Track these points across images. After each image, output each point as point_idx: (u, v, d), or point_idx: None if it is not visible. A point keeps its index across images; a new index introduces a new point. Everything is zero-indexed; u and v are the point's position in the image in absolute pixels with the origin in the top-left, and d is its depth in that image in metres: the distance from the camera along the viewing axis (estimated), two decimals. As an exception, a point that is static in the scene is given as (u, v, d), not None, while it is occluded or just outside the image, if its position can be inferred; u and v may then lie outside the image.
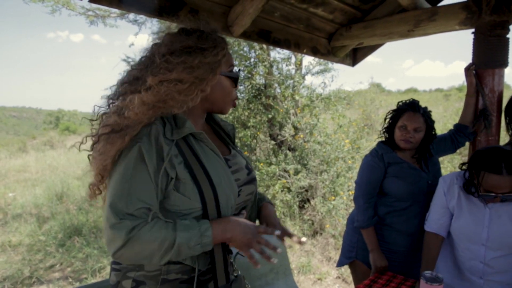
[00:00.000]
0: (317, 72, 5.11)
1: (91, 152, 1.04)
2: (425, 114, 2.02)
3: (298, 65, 5.37)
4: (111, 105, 1.05)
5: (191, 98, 1.03)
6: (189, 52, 1.02)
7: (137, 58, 1.11)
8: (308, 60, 5.25)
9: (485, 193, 1.57)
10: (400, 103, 2.11)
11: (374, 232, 2.05)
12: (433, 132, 2.07)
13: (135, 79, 1.03)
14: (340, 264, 2.27)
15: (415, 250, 2.07)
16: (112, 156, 0.97)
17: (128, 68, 1.09)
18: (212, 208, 1.04)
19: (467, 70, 2.19)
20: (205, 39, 1.06)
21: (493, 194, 1.55)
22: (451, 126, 2.31)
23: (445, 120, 9.35)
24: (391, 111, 2.12)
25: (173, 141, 1.02)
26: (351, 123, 5.55)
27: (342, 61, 3.05)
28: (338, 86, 5.98)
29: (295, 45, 2.54)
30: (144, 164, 0.95)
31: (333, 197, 4.40)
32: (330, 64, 5.00)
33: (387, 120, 2.14)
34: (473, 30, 2.21)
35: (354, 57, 3.16)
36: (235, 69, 1.18)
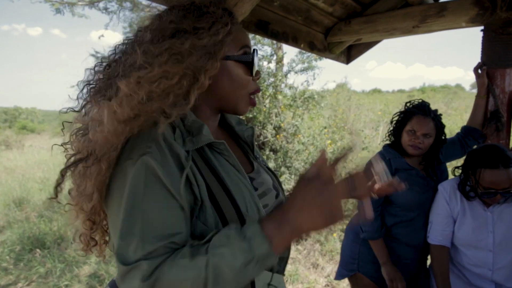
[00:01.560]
0: (301, 70, 4.93)
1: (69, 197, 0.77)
2: (436, 118, 1.87)
3: (279, 62, 5.17)
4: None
5: (183, 99, 0.75)
6: (176, 34, 0.75)
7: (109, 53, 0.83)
8: (290, 57, 5.08)
9: (485, 191, 1.52)
10: (408, 105, 1.95)
11: (384, 243, 1.89)
12: (443, 137, 1.93)
13: (103, 83, 0.76)
14: (340, 276, 2.09)
15: (420, 262, 1.96)
16: (91, 193, 0.71)
17: (95, 65, 0.81)
18: None
19: (476, 70, 2.08)
20: (199, 15, 0.78)
21: (493, 190, 1.50)
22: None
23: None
24: (398, 113, 1.96)
25: (188, 152, 0.75)
26: (332, 124, 5.43)
27: (337, 58, 2.88)
28: (322, 86, 5.85)
29: (293, 38, 2.33)
30: (158, 181, 0.68)
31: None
32: (314, 62, 4.84)
33: (394, 122, 1.98)
34: (482, 28, 2.10)
35: (349, 54, 3.00)
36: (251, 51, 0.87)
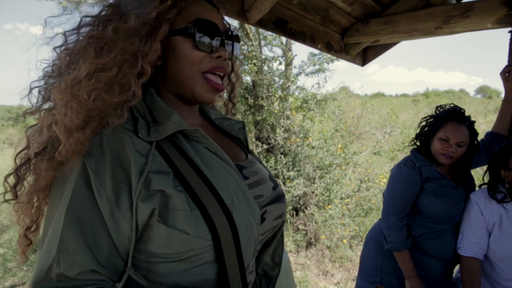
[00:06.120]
0: (312, 72, 4.84)
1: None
2: (470, 126, 1.77)
3: (288, 64, 5.09)
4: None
5: (128, 89, 0.66)
6: (96, 24, 0.69)
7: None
8: (301, 58, 5.00)
9: None
10: (440, 110, 1.85)
11: (409, 255, 1.79)
12: (475, 146, 1.83)
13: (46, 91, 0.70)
14: None
15: (448, 276, 1.84)
16: (43, 187, 0.66)
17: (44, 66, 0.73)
18: (229, 246, 0.66)
19: (504, 73, 1.98)
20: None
21: None
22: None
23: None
24: (429, 117, 1.86)
25: (151, 143, 0.67)
26: (343, 127, 5.34)
27: (353, 60, 2.80)
28: (333, 87, 5.75)
29: (310, 38, 2.25)
30: (91, 196, 0.61)
31: (329, 206, 4.14)
32: (325, 65, 4.76)
33: (423, 127, 1.88)
34: (509, 29, 2.02)
35: (364, 56, 2.91)
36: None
